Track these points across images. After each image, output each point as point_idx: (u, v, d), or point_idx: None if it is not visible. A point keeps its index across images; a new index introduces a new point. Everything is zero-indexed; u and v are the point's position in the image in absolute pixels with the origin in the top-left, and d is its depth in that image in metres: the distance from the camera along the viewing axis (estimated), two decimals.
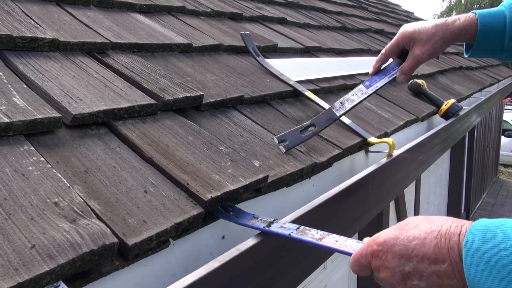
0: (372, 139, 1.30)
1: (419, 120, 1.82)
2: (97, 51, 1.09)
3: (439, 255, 0.52)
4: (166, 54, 1.28)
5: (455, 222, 0.54)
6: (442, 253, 0.51)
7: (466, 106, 2.43)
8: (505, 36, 0.99)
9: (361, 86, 1.12)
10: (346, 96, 1.13)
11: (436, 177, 4.58)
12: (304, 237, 0.68)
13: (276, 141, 1.06)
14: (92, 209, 0.62)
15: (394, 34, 3.68)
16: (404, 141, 1.72)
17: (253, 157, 0.95)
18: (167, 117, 0.95)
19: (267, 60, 1.55)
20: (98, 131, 0.82)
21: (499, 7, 1.03)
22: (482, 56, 1.10)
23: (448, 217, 0.56)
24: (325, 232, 0.68)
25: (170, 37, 1.35)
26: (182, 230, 0.68)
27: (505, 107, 8.84)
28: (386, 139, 1.29)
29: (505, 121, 9.51)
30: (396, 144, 1.60)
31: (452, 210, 5.25)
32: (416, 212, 3.80)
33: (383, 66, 1.16)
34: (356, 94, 1.13)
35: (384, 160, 1.27)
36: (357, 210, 1.21)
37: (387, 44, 1.14)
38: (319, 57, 1.95)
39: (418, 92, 2.06)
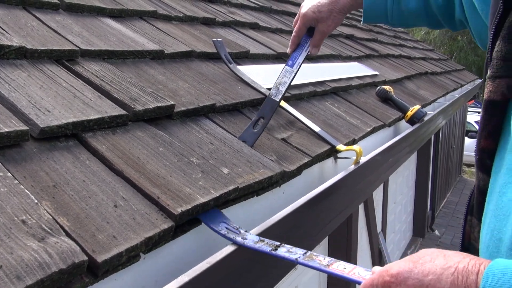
0: (340, 147, 1.34)
1: (386, 126, 1.88)
2: (66, 58, 1.07)
3: None
4: (138, 61, 1.27)
5: (472, 260, 0.53)
6: None
7: (430, 111, 2.53)
8: (388, 14, 1.15)
9: (286, 68, 1.24)
10: (278, 80, 1.24)
11: (403, 177, 4.73)
12: (312, 263, 0.68)
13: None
14: (61, 226, 0.62)
15: (364, 39, 3.75)
16: (371, 147, 1.77)
17: (222, 165, 0.97)
18: (138, 127, 0.95)
19: (239, 67, 1.57)
20: (67, 143, 0.82)
21: None
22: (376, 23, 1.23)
23: (464, 253, 0.55)
24: (332, 259, 0.68)
25: (142, 43, 1.35)
26: (152, 244, 0.68)
27: (468, 109, 9.22)
28: (353, 146, 1.33)
29: (469, 123, 9.92)
30: (364, 150, 1.65)
31: (419, 209, 5.43)
32: (384, 212, 3.91)
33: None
34: (285, 76, 1.23)
35: (352, 167, 1.31)
36: (327, 216, 1.25)
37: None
38: None
39: (385, 98, 2.13)
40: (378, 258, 3.55)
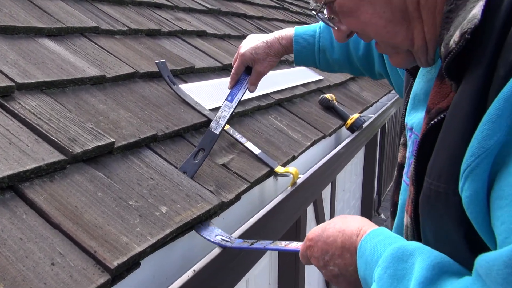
0: (278, 169, 1.42)
1: (326, 137, 1.99)
2: (1, 95, 1.06)
3: (344, 249, 0.72)
4: (78, 88, 1.28)
5: (358, 224, 0.73)
6: (346, 248, 0.72)
7: (371, 114, 2.68)
8: (315, 61, 1.27)
9: (226, 102, 1.34)
10: (218, 114, 1.33)
11: (351, 166, 4.96)
12: (275, 247, 0.94)
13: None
14: None
15: None
16: (312, 158, 1.88)
17: (161, 203, 1.02)
18: (76, 170, 0.98)
19: (183, 86, 1.60)
20: (3, 196, 0.83)
21: (315, 29, 1.26)
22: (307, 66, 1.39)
23: (358, 217, 0.75)
24: (289, 242, 0.93)
25: (82, 68, 1.34)
26: None
27: None
28: (289, 169, 1.42)
29: None
30: (304, 164, 1.75)
31: (366, 195, 5.74)
32: (332, 201, 4.12)
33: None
34: (225, 110, 1.33)
35: (290, 188, 1.41)
36: (273, 229, 1.34)
37: None
38: None
39: (328, 107, 2.24)
40: None
